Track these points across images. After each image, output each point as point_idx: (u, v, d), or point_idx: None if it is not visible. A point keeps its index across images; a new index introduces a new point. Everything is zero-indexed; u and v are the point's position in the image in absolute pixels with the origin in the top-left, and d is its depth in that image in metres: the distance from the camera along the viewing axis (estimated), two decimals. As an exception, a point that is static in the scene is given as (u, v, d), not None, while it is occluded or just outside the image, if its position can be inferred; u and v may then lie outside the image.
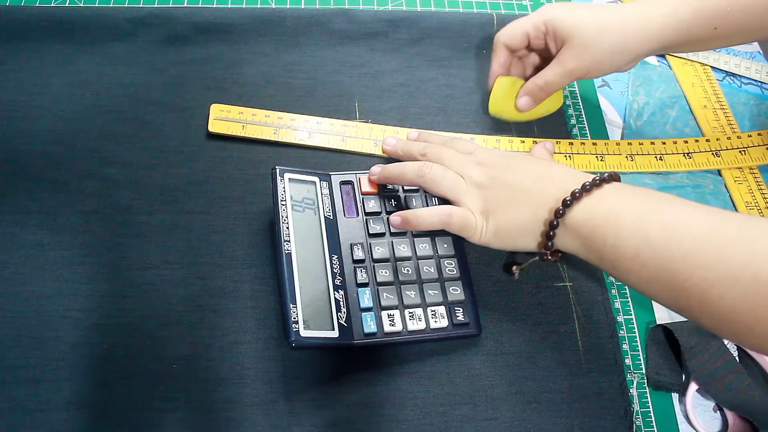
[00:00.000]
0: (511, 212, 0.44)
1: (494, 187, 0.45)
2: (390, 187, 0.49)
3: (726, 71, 0.63)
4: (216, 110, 0.54)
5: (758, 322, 0.34)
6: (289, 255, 0.43)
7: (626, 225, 0.40)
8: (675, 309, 0.39)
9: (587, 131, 0.57)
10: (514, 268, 0.48)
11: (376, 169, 0.49)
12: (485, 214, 0.45)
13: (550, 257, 0.44)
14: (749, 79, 0.63)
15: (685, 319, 0.48)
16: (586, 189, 0.42)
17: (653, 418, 0.45)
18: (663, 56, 0.64)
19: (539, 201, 0.43)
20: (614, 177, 0.43)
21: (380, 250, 0.46)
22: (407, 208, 0.49)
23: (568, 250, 0.43)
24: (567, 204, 0.42)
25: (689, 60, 0.63)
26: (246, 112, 0.54)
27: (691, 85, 0.61)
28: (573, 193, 0.42)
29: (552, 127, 0.57)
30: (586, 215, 0.41)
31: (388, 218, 0.48)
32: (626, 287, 0.50)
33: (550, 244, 0.43)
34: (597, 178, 0.42)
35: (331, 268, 0.44)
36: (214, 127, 0.53)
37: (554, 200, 0.42)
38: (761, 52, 0.65)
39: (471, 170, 0.46)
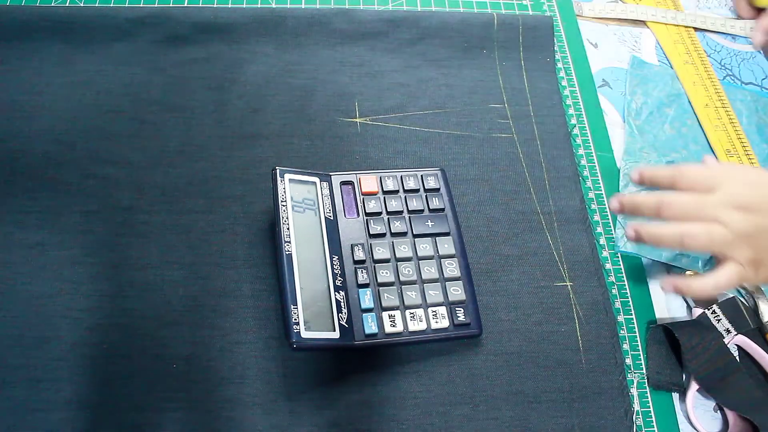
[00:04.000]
0: None
1: (764, 236, 0.43)
2: (391, 187, 0.49)
3: (715, 30, 0.64)
4: None
5: None
6: (290, 256, 0.43)
7: None
8: None
9: (587, 131, 0.57)
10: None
11: (630, 231, 0.45)
12: (755, 264, 0.43)
13: None
14: (749, 79, 0.63)
15: (686, 319, 0.48)
16: None
17: (653, 418, 0.45)
18: (663, 55, 0.64)
19: None
20: None
21: (381, 251, 0.46)
22: (407, 207, 0.49)
23: None
24: None
25: (690, 59, 0.63)
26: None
27: (692, 83, 0.61)
28: None
29: (551, 127, 0.57)
30: None
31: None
32: (626, 287, 0.50)
33: None
34: None
35: (332, 268, 0.44)
36: None
37: None
38: (761, 53, 0.65)
39: (731, 218, 0.43)
